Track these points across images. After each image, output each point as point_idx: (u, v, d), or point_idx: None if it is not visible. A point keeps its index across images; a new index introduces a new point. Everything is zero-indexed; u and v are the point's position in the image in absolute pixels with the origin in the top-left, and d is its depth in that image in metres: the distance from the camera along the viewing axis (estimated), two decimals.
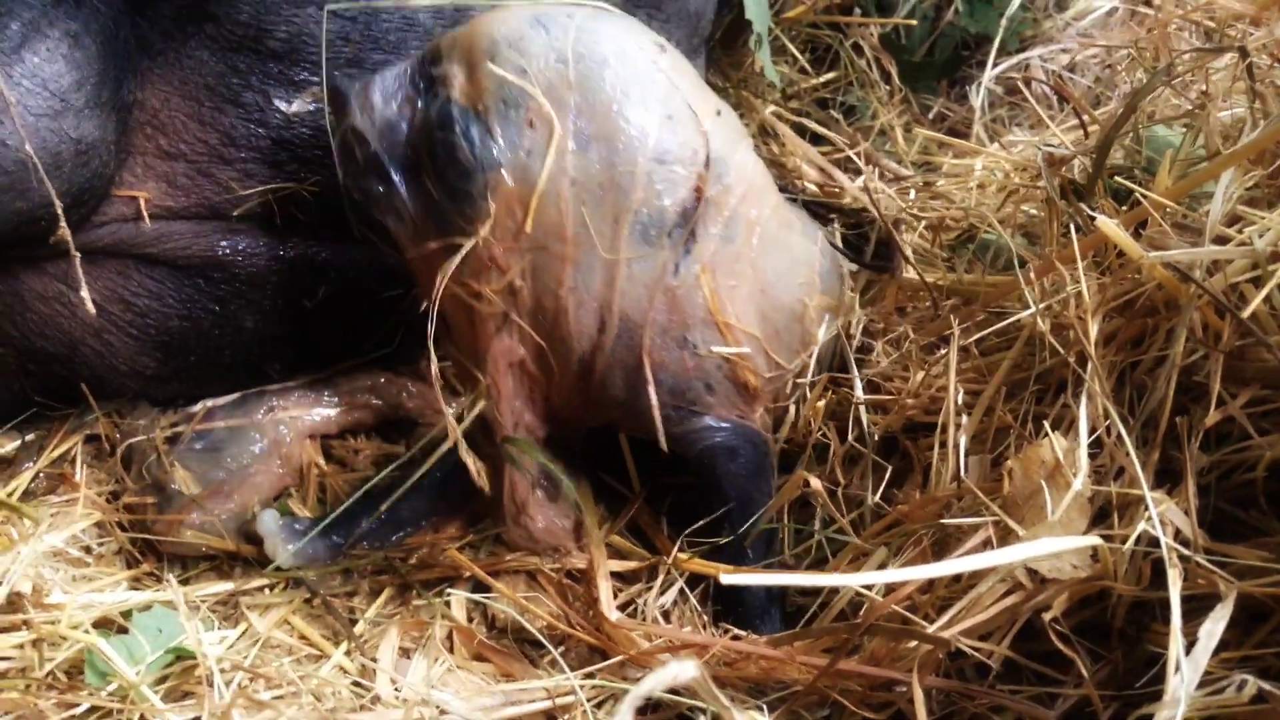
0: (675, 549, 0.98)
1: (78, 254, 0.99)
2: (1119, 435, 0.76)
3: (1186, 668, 0.62)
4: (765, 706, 0.83)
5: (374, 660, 0.90)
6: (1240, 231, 0.78)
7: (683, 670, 0.51)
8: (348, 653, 0.92)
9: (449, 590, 0.99)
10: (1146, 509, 0.71)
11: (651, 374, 0.96)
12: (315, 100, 1.10)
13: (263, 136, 1.10)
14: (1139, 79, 1.14)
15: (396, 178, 0.93)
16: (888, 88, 1.68)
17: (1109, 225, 0.82)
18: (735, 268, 0.96)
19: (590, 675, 0.87)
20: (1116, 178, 1.02)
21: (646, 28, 0.98)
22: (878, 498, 0.97)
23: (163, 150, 1.10)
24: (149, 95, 1.09)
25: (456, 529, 1.07)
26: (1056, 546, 0.71)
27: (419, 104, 0.93)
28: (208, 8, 1.06)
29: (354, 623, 0.97)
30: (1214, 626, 0.64)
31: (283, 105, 1.10)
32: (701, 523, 0.98)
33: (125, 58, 1.06)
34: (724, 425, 0.99)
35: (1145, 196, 0.88)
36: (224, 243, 1.12)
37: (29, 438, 1.16)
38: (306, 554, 1.01)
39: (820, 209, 1.31)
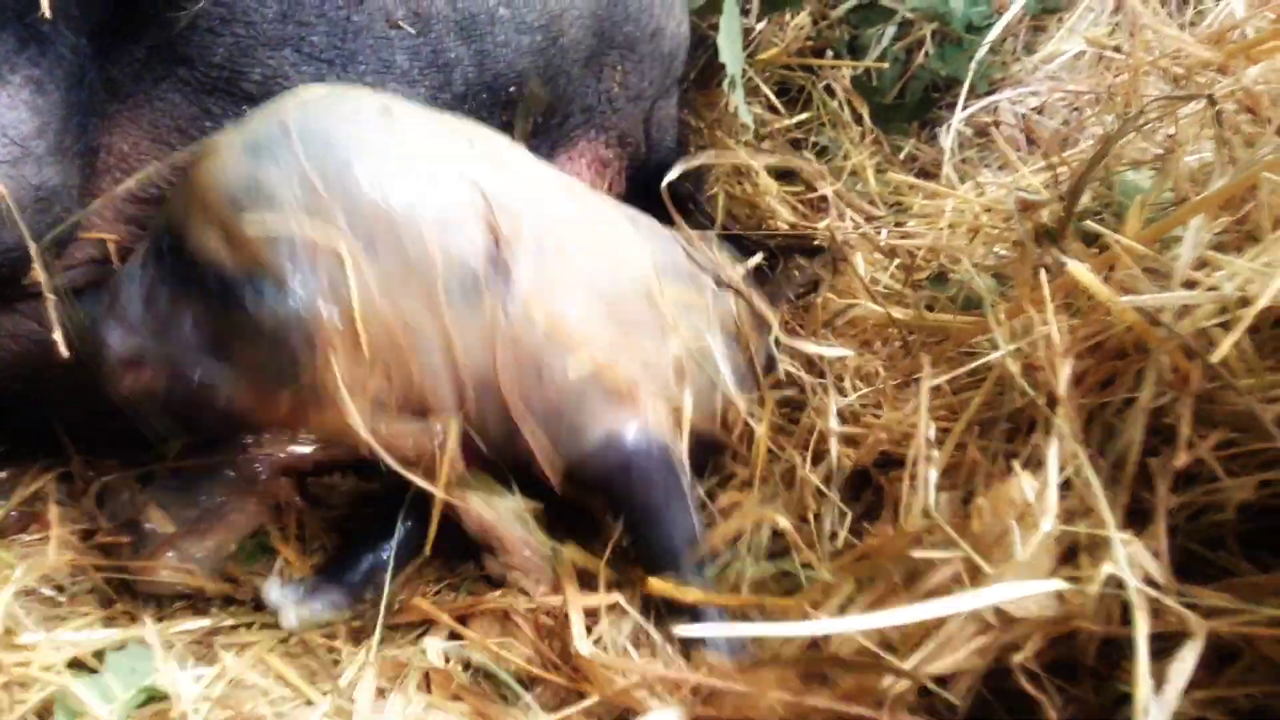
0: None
1: (52, 297, 0.98)
2: (1087, 478, 0.78)
3: (1155, 709, 0.63)
4: None
5: (351, 700, 0.89)
6: (1209, 275, 0.80)
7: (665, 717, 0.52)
8: (325, 693, 0.91)
9: (427, 636, 0.98)
10: (1113, 549, 0.72)
11: (524, 415, 0.95)
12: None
13: None
14: (1108, 123, 1.16)
15: (220, 377, 0.89)
16: (859, 129, 1.70)
17: (1079, 269, 0.84)
18: (563, 281, 0.96)
19: None
20: (1086, 221, 1.04)
21: (358, 91, 0.95)
22: (845, 532, 0.98)
23: (132, 194, 1.08)
24: (117, 139, 1.07)
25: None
26: (1022, 591, 0.72)
27: (197, 297, 0.88)
28: (180, 50, 1.04)
29: (334, 663, 0.96)
30: (1183, 665, 0.64)
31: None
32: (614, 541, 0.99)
33: (92, 102, 1.04)
34: (614, 440, 0.97)
35: (1117, 241, 0.90)
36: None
37: (1, 475, 1.15)
38: (324, 609, 1.02)
39: (780, 244, 1.34)
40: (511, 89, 1.19)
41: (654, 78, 1.39)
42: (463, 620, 0.99)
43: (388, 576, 1.03)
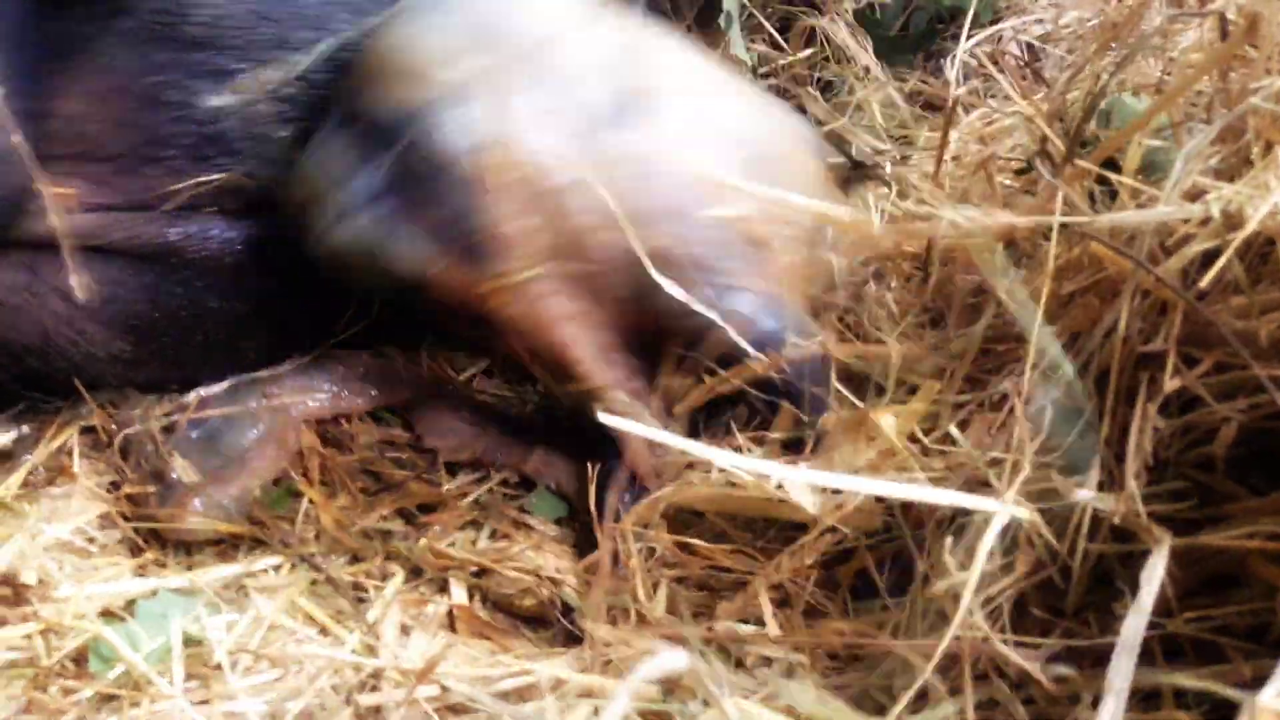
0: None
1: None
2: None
3: (1131, 619, 0.65)
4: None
5: (377, 638, 0.93)
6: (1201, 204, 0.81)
7: (673, 660, 0.54)
8: (351, 631, 0.95)
9: (450, 575, 1.02)
10: None
11: (670, 262, 0.94)
12: (241, 93, 1.09)
13: (190, 134, 1.09)
14: (1111, 51, 1.16)
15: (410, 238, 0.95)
16: (864, 64, 1.70)
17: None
18: (697, 129, 0.97)
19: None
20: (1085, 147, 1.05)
21: None
22: None
23: (83, 155, 1.09)
24: (63, 103, 1.07)
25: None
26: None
27: (383, 151, 0.95)
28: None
29: (361, 602, 0.99)
30: (1151, 573, 0.67)
31: (208, 101, 1.09)
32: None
33: (35, 65, 1.04)
34: (765, 304, 0.96)
35: (1112, 178, 0.90)
36: (172, 230, 1.12)
37: (24, 429, 1.18)
38: None
39: None
40: None
41: None
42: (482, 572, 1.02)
43: None
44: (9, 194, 1.03)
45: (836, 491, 0.85)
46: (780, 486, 0.86)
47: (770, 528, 0.98)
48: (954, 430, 0.87)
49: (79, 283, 0.95)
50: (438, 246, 0.94)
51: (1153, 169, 1.01)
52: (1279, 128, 0.78)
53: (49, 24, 1.05)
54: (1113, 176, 0.89)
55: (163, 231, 1.12)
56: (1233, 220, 0.76)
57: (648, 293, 0.93)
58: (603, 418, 0.77)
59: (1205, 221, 0.77)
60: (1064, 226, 0.85)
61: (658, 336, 1.00)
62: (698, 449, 0.78)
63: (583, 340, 0.97)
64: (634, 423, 0.79)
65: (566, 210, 0.93)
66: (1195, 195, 0.83)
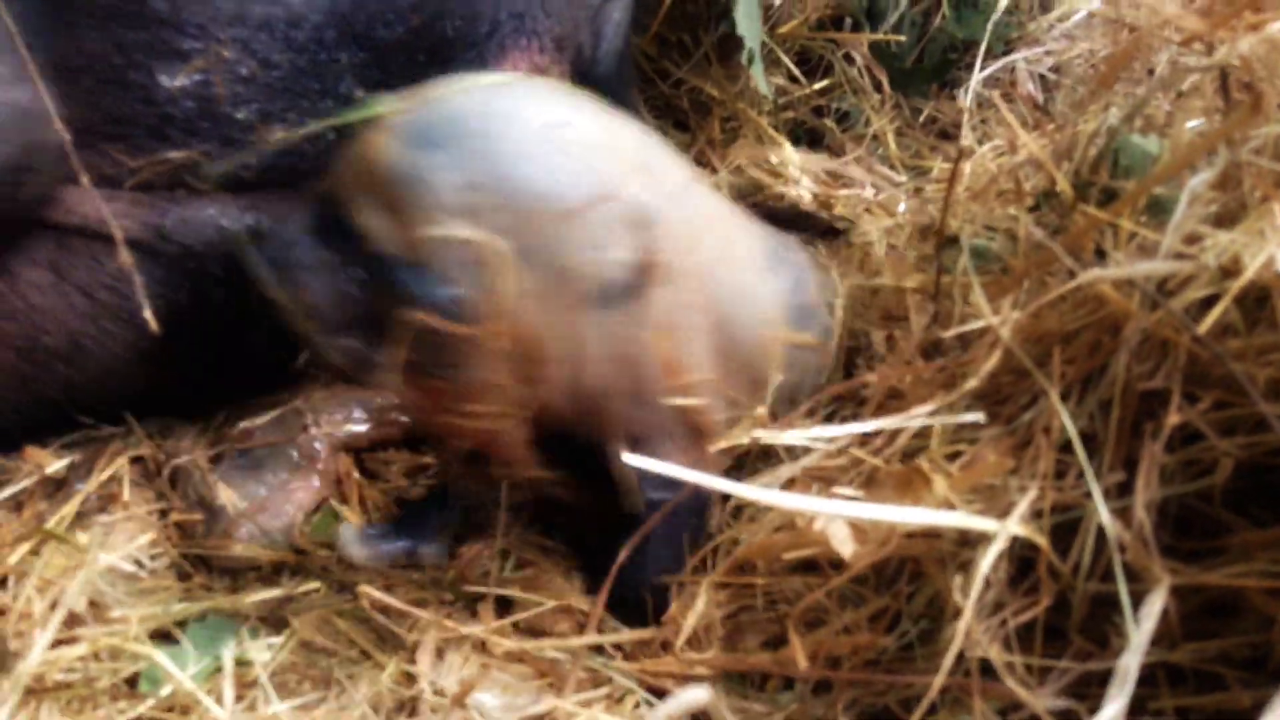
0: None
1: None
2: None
3: (1130, 654, 0.69)
4: None
5: (414, 662, 0.97)
6: (1200, 250, 0.85)
7: (695, 696, 0.58)
8: (390, 656, 0.99)
9: (479, 603, 1.06)
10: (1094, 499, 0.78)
11: (616, 431, 0.99)
12: (199, 73, 1.09)
13: (149, 114, 1.09)
14: (1116, 92, 1.20)
15: (363, 343, 0.93)
16: (879, 95, 1.74)
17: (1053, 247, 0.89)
18: (687, 319, 0.98)
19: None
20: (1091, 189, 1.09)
21: (538, 93, 0.97)
22: None
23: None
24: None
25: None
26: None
27: (354, 265, 0.92)
28: None
29: (398, 628, 1.03)
30: (1150, 609, 0.70)
31: (166, 81, 1.09)
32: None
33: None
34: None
35: (1112, 222, 0.94)
36: (166, 218, 1.14)
37: (77, 458, 1.23)
38: (382, 554, 1.10)
39: (789, 217, 1.38)
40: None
41: None
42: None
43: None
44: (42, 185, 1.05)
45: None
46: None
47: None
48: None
49: (150, 315, 0.97)
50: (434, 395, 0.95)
51: (1155, 209, 1.05)
52: (1273, 179, 0.82)
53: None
54: (1116, 221, 0.93)
55: (157, 218, 1.13)
56: (1229, 268, 0.80)
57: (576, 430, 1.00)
58: (632, 460, 0.80)
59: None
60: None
61: None
62: (745, 490, 0.83)
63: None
64: (667, 464, 0.83)
65: (546, 378, 0.95)
66: (1195, 239, 0.88)
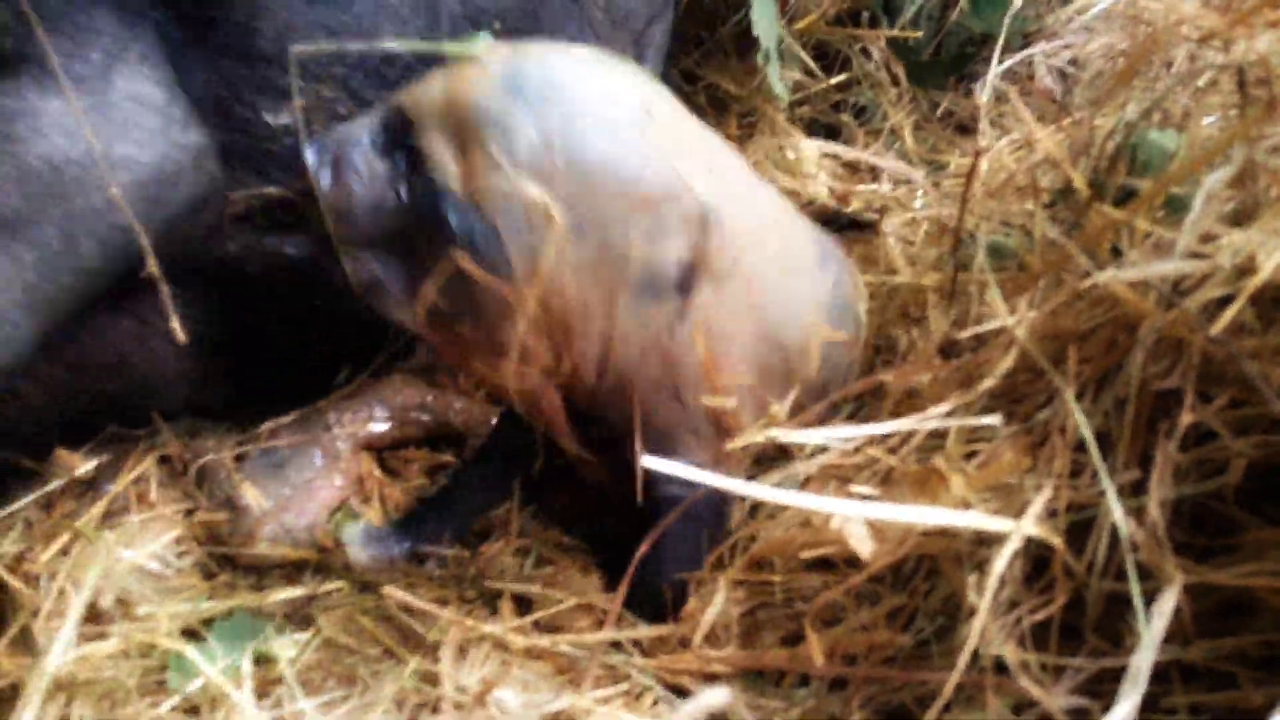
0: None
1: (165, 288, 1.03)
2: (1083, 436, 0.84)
3: (1142, 652, 0.70)
4: None
5: (437, 660, 0.98)
6: (1215, 248, 0.85)
7: (715, 696, 0.59)
8: (413, 653, 1.01)
9: (500, 600, 1.08)
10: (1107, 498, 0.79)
11: (640, 419, 0.98)
12: (299, 112, 1.11)
13: (251, 149, 1.12)
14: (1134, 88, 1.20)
15: (388, 266, 0.93)
16: (896, 89, 1.74)
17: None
18: (733, 321, 0.97)
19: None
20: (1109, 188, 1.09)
21: (633, 79, 0.95)
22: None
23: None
24: None
25: (513, 509, 1.18)
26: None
27: (402, 184, 0.91)
28: (208, 11, 1.06)
29: (420, 626, 1.05)
30: (1163, 607, 0.71)
31: (269, 118, 1.11)
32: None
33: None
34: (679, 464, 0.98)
35: (1128, 221, 0.94)
36: (230, 245, 1.16)
37: (105, 458, 1.25)
38: (384, 557, 1.11)
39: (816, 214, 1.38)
40: (495, 24, 1.19)
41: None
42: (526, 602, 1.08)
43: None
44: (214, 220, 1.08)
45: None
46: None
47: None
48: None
49: (178, 325, 0.99)
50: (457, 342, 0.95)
51: (1172, 205, 1.05)
52: None
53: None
54: (1132, 221, 0.93)
55: (219, 247, 1.16)
56: (1244, 267, 0.80)
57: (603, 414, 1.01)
58: (648, 461, 0.81)
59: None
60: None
61: None
62: (762, 491, 0.83)
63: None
64: (689, 467, 0.83)
65: (574, 349, 0.95)
66: (1211, 238, 0.88)
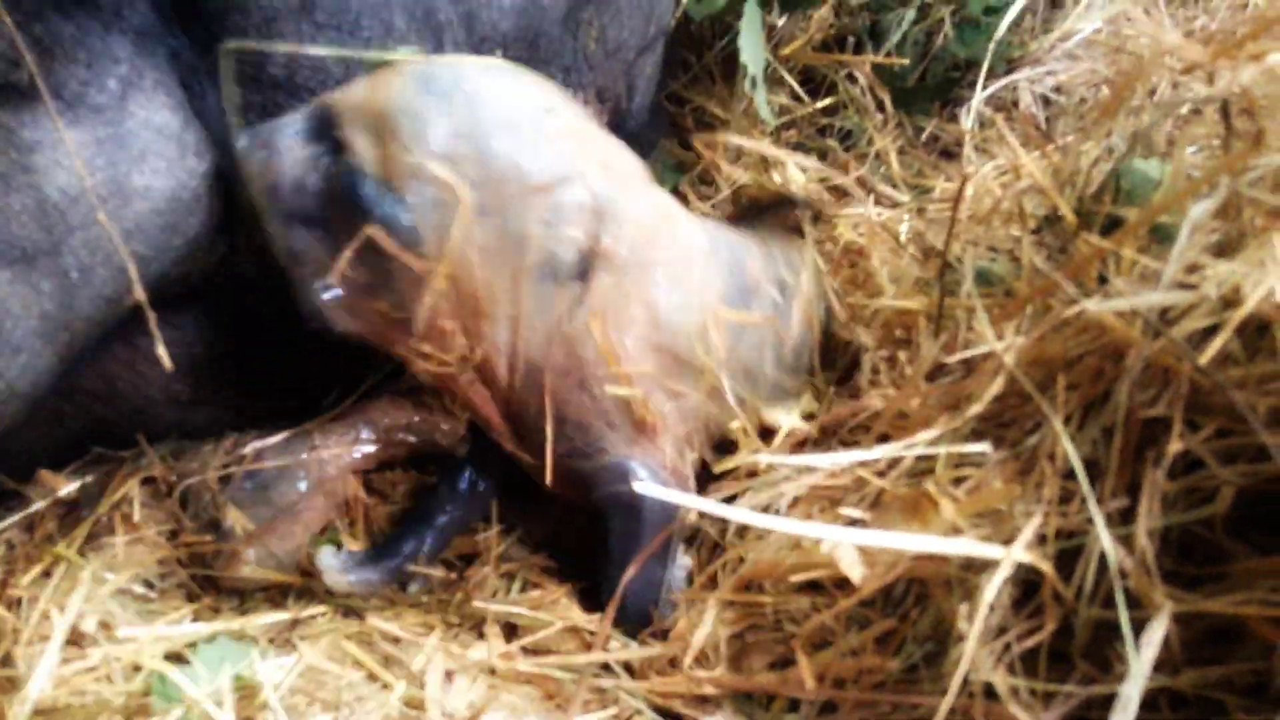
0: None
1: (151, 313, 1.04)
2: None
3: (1130, 681, 0.70)
4: None
5: (422, 686, 0.98)
6: (1201, 278, 0.86)
7: None
8: (399, 678, 1.00)
9: (486, 625, 1.07)
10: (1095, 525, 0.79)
11: (553, 412, 1.03)
12: (229, 104, 1.10)
13: None
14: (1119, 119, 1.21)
15: (309, 241, 0.99)
16: (881, 115, 1.75)
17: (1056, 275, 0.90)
18: (627, 310, 1.03)
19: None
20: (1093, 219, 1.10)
21: (536, 84, 1.03)
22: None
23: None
24: None
25: (493, 532, 1.18)
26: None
27: (324, 168, 0.98)
28: (221, 38, 1.07)
29: (405, 652, 1.04)
30: (1152, 637, 0.71)
31: None
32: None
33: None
34: (623, 471, 1.04)
35: (1115, 251, 0.95)
36: (219, 268, 1.16)
37: (89, 479, 1.25)
38: (362, 581, 1.10)
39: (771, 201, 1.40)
40: (496, 52, 1.22)
41: (635, 28, 1.40)
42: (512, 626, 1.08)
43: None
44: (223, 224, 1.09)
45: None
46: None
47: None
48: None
49: (164, 352, 0.99)
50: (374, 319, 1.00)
51: (1158, 234, 1.06)
52: (1273, 210, 0.83)
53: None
54: (1119, 250, 0.94)
55: (207, 269, 1.15)
56: (1230, 298, 0.81)
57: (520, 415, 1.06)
58: (639, 488, 0.82)
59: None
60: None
61: None
62: (756, 518, 0.86)
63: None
64: (679, 493, 0.85)
65: (484, 334, 1.00)
66: (1196, 268, 0.89)
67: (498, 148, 0.96)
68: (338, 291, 0.99)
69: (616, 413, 1.04)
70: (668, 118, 1.75)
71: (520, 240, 0.97)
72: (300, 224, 0.99)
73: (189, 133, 1.06)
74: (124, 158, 1.01)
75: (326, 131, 0.98)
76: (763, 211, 1.43)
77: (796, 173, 1.63)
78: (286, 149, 0.99)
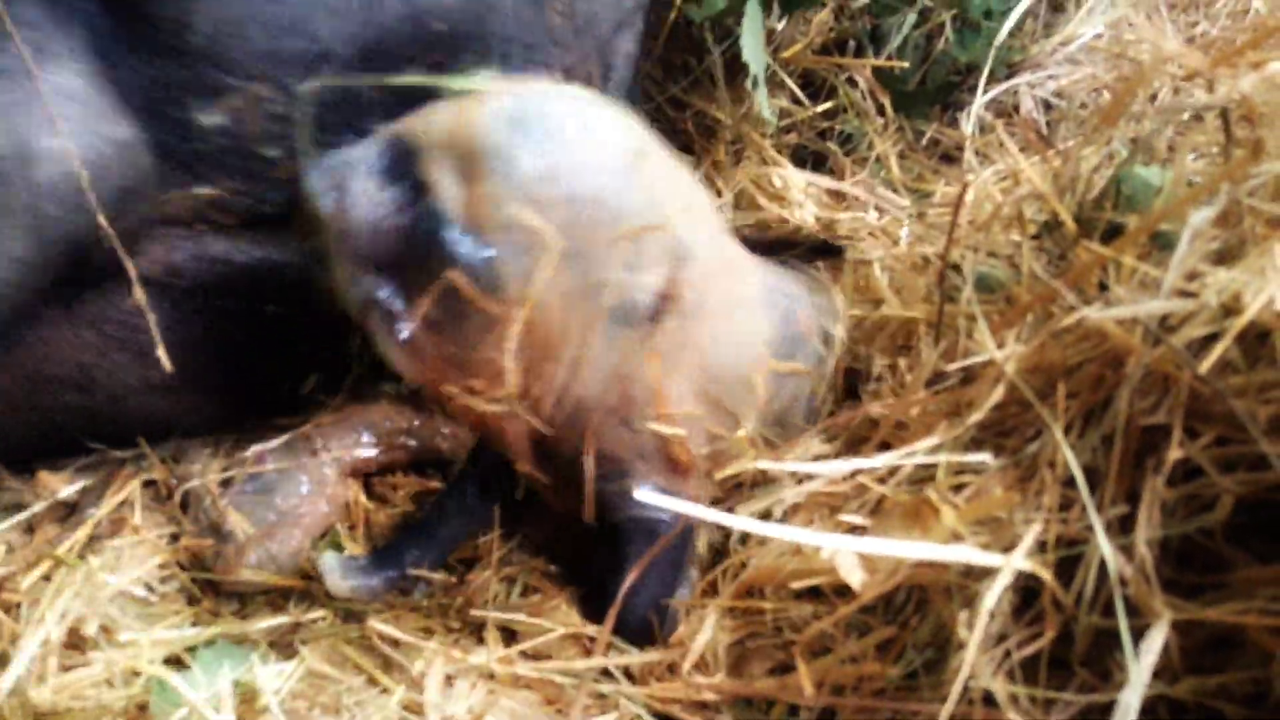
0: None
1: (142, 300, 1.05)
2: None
3: (1130, 689, 0.70)
4: None
5: (422, 691, 0.98)
6: (1201, 286, 0.86)
7: None
8: (399, 682, 1.00)
9: (486, 630, 1.07)
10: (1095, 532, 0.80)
11: (592, 446, 1.01)
12: (233, 112, 1.10)
13: (182, 149, 1.11)
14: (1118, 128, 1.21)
15: (383, 286, 0.95)
16: (882, 118, 1.76)
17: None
18: (683, 353, 1.01)
19: None
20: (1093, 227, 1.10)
21: (627, 123, 1.00)
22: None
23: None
24: None
25: (493, 536, 1.17)
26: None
27: (405, 211, 0.94)
28: (139, 6, 1.05)
29: (405, 656, 1.04)
30: (1151, 645, 0.72)
31: (201, 118, 1.10)
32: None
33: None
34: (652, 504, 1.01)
35: (1115, 258, 0.95)
36: (176, 253, 1.15)
37: (89, 482, 1.25)
38: (364, 587, 1.10)
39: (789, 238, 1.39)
40: (436, 24, 1.18)
41: (608, 1, 1.37)
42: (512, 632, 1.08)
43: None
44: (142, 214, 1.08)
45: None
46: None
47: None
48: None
49: (164, 354, 0.99)
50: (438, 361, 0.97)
51: (1158, 240, 1.06)
52: (1272, 218, 0.83)
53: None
54: (1119, 258, 0.94)
55: (168, 253, 1.15)
56: (1230, 307, 0.81)
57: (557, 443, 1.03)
58: (641, 495, 0.82)
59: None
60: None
61: None
62: (758, 526, 0.86)
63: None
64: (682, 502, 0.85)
65: (545, 374, 0.98)
66: (1196, 276, 0.89)
67: (587, 193, 0.94)
68: (413, 336, 0.95)
69: (652, 448, 1.04)
70: (661, 114, 1.74)
71: (600, 284, 0.95)
72: (374, 270, 0.95)
73: (101, 99, 1.04)
74: (30, 121, 1.00)
75: (406, 169, 0.94)
76: (786, 247, 1.39)
77: (798, 182, 1.63)
78: (362, 191, 0.94)
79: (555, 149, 0.93)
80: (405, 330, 0.95)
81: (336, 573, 1.09)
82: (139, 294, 1.03)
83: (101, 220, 1.01)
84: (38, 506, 1.20)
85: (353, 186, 0.94)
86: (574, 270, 0.94)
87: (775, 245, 1.36)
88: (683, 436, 1.03)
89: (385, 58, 1.15)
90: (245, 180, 1.14)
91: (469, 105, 0.96)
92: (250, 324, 1.21)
